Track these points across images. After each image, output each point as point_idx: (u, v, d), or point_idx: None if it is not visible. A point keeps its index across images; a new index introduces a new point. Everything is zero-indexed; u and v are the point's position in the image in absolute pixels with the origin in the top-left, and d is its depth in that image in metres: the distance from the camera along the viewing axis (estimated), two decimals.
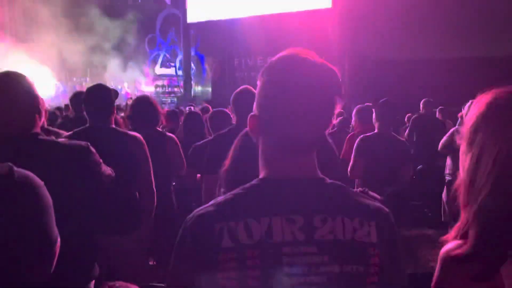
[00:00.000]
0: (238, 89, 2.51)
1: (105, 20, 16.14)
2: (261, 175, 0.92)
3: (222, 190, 1.63)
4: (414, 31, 10.27)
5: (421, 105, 6.33)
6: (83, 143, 1.68)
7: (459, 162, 0.97)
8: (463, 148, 0.93)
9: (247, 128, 0.96)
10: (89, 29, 15.84)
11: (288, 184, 0.89)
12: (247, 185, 0.91)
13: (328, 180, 0.92)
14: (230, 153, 1.45)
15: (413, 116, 6.26)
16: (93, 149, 1.68)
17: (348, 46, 11.40)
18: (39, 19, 15.33)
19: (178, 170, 3.21)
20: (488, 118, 0.88)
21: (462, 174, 0.92)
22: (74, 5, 15.65)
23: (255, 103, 0.94)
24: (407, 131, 6.02)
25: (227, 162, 1.57)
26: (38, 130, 1.64)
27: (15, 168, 1.11)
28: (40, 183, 1.16)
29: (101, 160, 1.73)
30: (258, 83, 0.93)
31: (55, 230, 1.18)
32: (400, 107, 7.33)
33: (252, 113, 0.93)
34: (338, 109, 0.94)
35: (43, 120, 1.85)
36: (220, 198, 0.91)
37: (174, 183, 3.31)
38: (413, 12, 10.27)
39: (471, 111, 0.93)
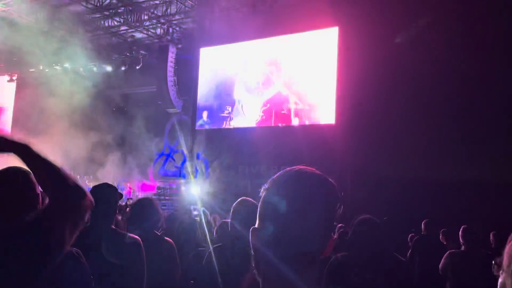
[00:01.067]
0: (238, 200, 2.57)
1: (113, 119, 16.95)
2: None
3: None
4: (419, 150, 10.58)
5: (422, 226, 6.25)
6: (74, 250, 1.69)
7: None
8: (504, 280, 0.95)
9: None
10: (96, 126, 16.53)
11: None
12: None
13: None
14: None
15: (415, 238, 6.15)
16: (82, 258, 1.70)
17: (350, 162, 11.68)
18: (49, 113, 16.10)
19: (172, 276, 3.08)
20: None
21: None
22: (86, 101, 16.54)
23: (257, 216, 0.94)
24: (409, 252, 5.87)
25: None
26: None
27: None
28: None
29: (89, 271, 1.72)
30: (261, 196, 0.95)
31: None
32: (403, 227, 7.29)
33: (253, 227, 0.94)
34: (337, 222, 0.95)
35: None
36: None
37: None
38: (417, 130, 10.69)
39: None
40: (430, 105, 10.72)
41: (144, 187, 16.94)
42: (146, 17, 15.86)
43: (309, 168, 0.95)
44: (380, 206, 8.73)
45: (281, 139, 12.90)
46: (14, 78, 19.67)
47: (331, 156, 11.80)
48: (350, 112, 11.93)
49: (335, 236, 4.84)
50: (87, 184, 16.05)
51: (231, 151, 14.44)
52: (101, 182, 2.61)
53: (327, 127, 12.71)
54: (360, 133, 11.55)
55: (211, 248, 2.50)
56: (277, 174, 0.95)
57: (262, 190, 0.95)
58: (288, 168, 0.96)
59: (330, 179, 0.95)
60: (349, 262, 2.66)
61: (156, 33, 16.63)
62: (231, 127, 14.93)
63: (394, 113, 11.06)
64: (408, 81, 10.87)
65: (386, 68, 10.93)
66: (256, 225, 0.93)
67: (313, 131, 12.79)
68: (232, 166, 14.27)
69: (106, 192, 2.53)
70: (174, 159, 18.28)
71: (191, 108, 16.07)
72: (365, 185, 11.02)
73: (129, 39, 17.30)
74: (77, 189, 1.34)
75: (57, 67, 18.30)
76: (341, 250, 2.96)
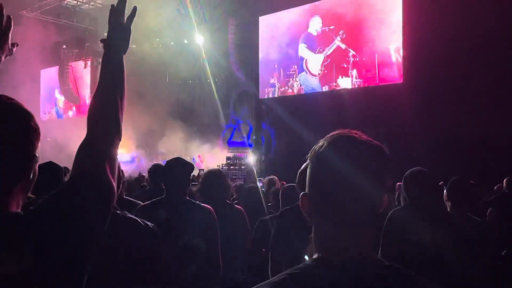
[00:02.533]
0: (304, 165, 2.58)
1: (180, 92, 17.56)
2: (315, 255, 0.92)
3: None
4: (494, 107, 9.88)
5: (504, 184, 5.90)
6: (150, 225, 1.80)
7: None
8: None
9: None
10: (164, 101, 17.23)
11: (343, 266, 0.87)
12: (302, 265, 0.91)
13: (386, 263, 0.90)
14: None
15: (496, 195, 5.82)
16: (158, 233, 1.80)
17: (420, 122, 11.18)
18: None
19: (243, 243, 3.23)
20: None
21: None
22: (154, 77, 17.20)
23: (306, 182, 0.96)
24: (488, 211, 5.58)
25: None
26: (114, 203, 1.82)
27: None
28: None
29: (162, 245, 1.82)
30: (309, 162, 0.96)
31: None
32: (479, 185, 6.91)
33: (303, 192, 0.96)
34: (388, 184, 0.93)
35: (120, 190, 2.05)
36: (275, 278, 0.90)
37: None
38: (491, 86, 9.97)
39: None
40: (503, 58, 9.86)
41: (213, 158, 17.53)
42: None
43: (351, 131, 0.96)
44: (453, 166, 8.33)
45: (347, 102, 12.64)
46: (88, 62, 20.88)
47: (398, 117, 11.39)
48: (418, 70, 11.33)
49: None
50: (160, 158, 16.95)
51: (295, 118, 14.43)
52: (170, 154, 2.75)
53: (394, 86, 12.24)
54: (429, 91, 10.97)
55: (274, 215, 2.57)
56: (321, 141, 0.96)
57: (308, 156, 0.97)
58: (333, 133, 0.97)
59: (376, 141, 0.94)
60: (403, 218, 2.52)
61: (213, 5, 16.71)
62: (296, 93, 14.97)
63: (466, 69, 10.31)
64: (479, 35, 10.03)
65: (455, 22, 10.15)
66: (306, 190, 0.96)
67: (379, 92, 12.39)
68: (297, 133, 14.27)
69: (179, 165, 2.69)
70: (240, 130, 18.64)
71: (254, 78, 16.16)
72: (436, 146, 10.53)
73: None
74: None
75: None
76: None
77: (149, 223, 1.79)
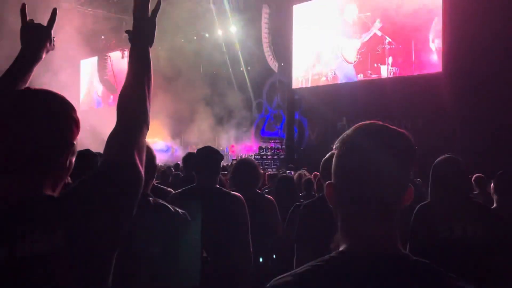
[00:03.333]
0: (327, 155, 2.54)
1: (213, 81, 17.62)
2: (341, 247, 0.92)
3: None
4: None
5: None
6: (181, 212, 1.85)
7: None
8: None
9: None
10: (198, 90, 17.40)
11: (368, 260, 0.86)
12: (327, 257, 0.90)
13: (413, 258, 0.88)
14: None
15: None
16: (188, 219, 1.84)
17: (460, 113, 10.78)
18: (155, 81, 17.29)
19: (274, 231, 3.24)
20: None
21: None
22: (188, 67, 17.34)
23: (332, 171, 0.96)
24: None
25: None
26: (148, 190, 1.89)
27: None
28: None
29: (192, 231, 1.87)
30: (334, 152, 0.97)
31: None
32: None
33: (329, 181, 0.96)
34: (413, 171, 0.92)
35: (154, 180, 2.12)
36: (299, 269, 0.90)
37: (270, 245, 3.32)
38: None
39: None
40: None
41: (246, 148, 17.62)
42: None
43: (376, 121, 0.96)
44: (496, 160, 8.01)
45: (382, 92, 12.34)
46: (126, 53, 21.32)
47: (437, 108, 11.04)
48: (458, 59, 10.89)
49: None
50: (195, 147, 17.17)
51: (329, 108, 14.25)
52: (202, 144, 2.78)
53: (432, 76, 11.84)
54: (470, 82, 10.53)
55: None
56: (346, 132, 0.96)
57: (334, 146, 0.97)
58: (360, 123, 0.96)
59: (403, 131, 0.94)
60: (432, 212, 2.36)
61: None
62: (329, 81, 14.76)
63: (510, 59, 9.82)
64: None
65: (500, 9, 9.68)
66: (332, 180, 0.95)
67: (416, 81, 12.02)
68: (331, 123, 14.10)
69: (209, 154, 2.71)
70: (273, 120, 18.61)
71: (287, 67, 16.04)
72: (477, 139, 10.13)
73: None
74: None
75: (162, 41, 19.43)
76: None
77: (179, 210, 1.83)
